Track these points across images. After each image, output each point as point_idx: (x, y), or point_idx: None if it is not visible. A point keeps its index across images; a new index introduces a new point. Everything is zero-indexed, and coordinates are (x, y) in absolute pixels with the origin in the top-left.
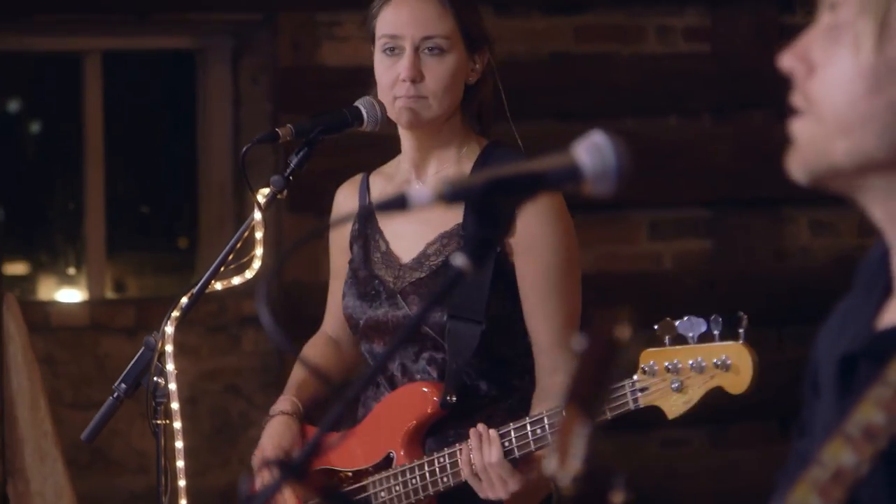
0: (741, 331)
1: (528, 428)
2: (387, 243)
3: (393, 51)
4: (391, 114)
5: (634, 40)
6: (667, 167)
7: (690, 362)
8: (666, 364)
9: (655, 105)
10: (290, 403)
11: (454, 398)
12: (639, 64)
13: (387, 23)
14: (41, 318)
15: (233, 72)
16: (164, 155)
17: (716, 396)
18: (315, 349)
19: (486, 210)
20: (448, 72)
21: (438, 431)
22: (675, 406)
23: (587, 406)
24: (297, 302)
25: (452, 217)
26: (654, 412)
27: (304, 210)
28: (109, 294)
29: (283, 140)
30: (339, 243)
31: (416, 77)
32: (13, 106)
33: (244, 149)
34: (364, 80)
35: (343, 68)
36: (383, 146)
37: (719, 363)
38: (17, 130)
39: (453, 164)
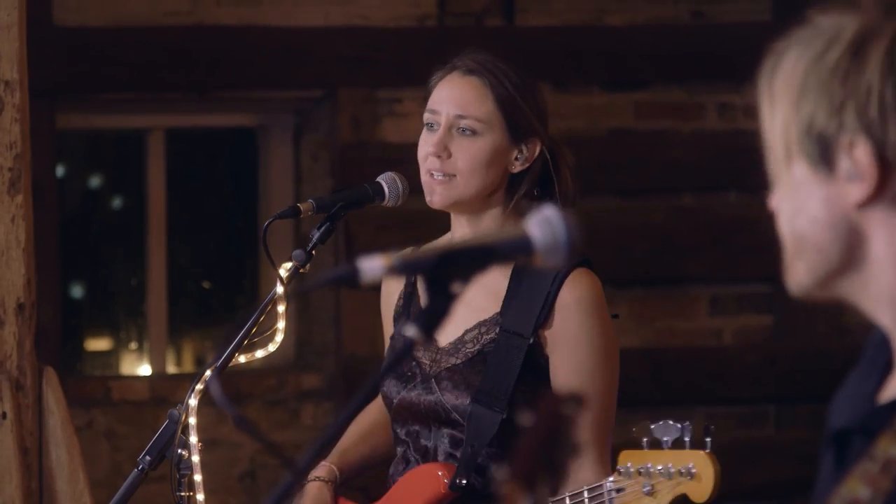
0: (708, 440)
1: None
2: None
3: (432, 126)
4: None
5: (694, 117)
6: (727, 243)
7: (660, 467)
8: (639, 467)
9: (715, 181)
10: (328, 470)
11: (464, 481)
12: (699, 140)
13: (432, 98)
14: (102, 393)
15: (294, 148)
16: (225, 230)
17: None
18: (368, 416)
19: (440, 282)
20: (476, 154)
21: None
22: None
23: (530, 483)
24: (356, 376)
25: (493, 304)
26: None
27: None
28: (172, 368)
29: (305, 215)
30: (388, 317)
31: (442, 153)
32: (94, 182)
33: (265, 224)
34: None
35: (403, 145)
36: (442, 223)
37: (684, 471)
38: (100, 206)
39: None
